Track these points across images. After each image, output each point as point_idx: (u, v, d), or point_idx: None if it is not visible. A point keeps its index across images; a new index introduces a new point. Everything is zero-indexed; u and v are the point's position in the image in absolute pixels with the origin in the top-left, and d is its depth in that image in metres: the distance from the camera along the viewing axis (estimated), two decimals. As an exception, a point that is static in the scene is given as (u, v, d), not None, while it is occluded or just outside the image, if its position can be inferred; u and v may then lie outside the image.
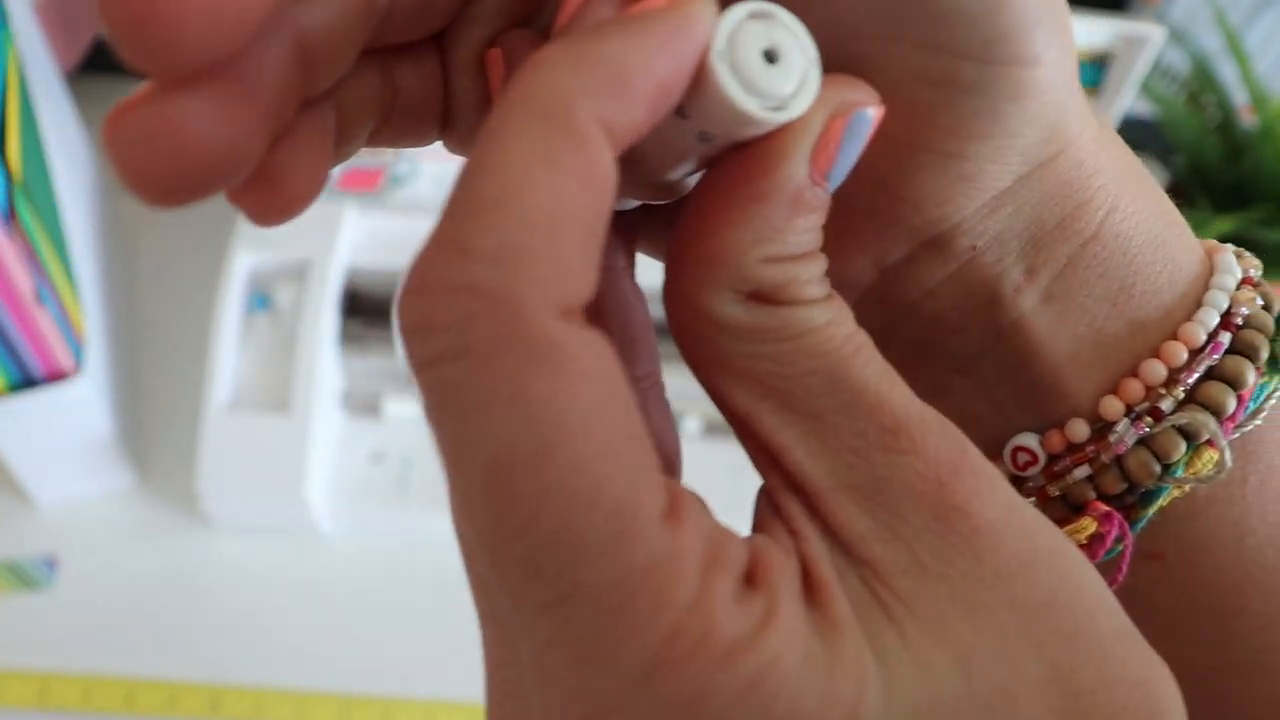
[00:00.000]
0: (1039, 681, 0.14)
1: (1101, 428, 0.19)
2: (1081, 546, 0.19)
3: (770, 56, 0.15)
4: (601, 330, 0.14)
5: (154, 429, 0.61)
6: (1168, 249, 0.19)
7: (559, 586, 0.13)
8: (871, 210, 0.18)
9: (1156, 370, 0.18)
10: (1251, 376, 0.18)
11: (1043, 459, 0.19)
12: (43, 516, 0.57)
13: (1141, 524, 0.19)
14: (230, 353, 0.55)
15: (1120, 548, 0.19)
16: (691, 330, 0.16)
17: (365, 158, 0.62)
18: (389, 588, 0.57)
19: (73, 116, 0.61)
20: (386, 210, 0.62)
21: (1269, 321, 0.19)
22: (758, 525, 0.16)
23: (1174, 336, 0.19)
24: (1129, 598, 0.18)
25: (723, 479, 0.59)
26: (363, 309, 0.61)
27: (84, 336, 0.53)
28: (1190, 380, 0.18)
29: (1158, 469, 0.18)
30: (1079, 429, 0.19)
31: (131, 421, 0.60)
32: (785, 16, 0.15)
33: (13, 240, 0.45)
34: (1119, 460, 0.19)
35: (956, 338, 0.20)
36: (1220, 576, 0.19)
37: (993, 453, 0.20)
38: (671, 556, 0.13)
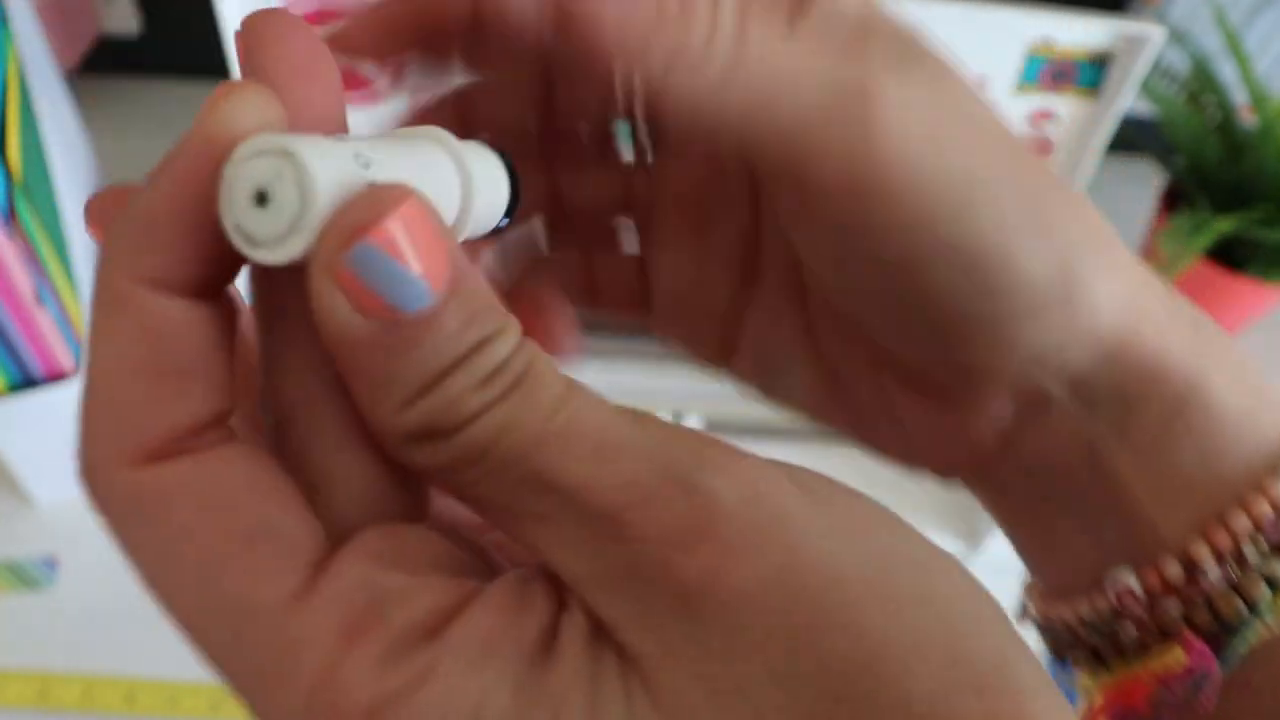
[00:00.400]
0: None
1: (1192, 568, 0.21)
2: (1172, 676, 0.20)
3: (261, 197, 0.14)
4: (229, 427, 0.15)
5: (154, 429, 0.61)
6: (1257, 418, 0.21)
7: (225, 678, 0.15)
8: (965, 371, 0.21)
9: (1242, 522, 0.20)
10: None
11: (1142, 595, 0.21)
12: (43, 516, 0.57)
13: (1234, 657, 0.20)
14: (230, 353, 0.55)
15: (1207, 680, 0.20)
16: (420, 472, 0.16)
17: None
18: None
19: (73, 116, 0.61)
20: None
21: None
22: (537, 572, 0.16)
23: (1261, 490, 0.20)
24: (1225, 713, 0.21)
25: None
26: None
27: (84, 336, 0.53)
28: (1275, 535, 0.20)
29: (1245, 609, 0.20)
30: (1173, 569, 0.21)
31: (131, 421, 0.60)
32: (304, 153, 0.14)
33: (13, 240, 0.45)
34: (1209, 600, 0.20)
35: (1061, 484, 0.22)
36: None
37: (1087, 587, 0.22)
38: (294, 639, 0.14)
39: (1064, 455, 0.22)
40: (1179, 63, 0.70)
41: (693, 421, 0.58)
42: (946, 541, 0.57)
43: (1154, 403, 0.21)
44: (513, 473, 0.15)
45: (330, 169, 0.14)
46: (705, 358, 0.25)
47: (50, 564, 0.56)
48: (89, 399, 0.15)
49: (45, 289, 0.49)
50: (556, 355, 0.22)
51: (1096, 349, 0.20)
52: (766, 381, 0.25)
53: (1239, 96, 0.68)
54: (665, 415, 0.58)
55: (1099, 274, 0.20)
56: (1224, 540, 0.20)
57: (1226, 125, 0.67)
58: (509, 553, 0.18)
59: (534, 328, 0.22)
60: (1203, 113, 0.68)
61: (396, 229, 0.14)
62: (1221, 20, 0.66)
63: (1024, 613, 0.24)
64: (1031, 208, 0.19)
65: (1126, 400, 0.21)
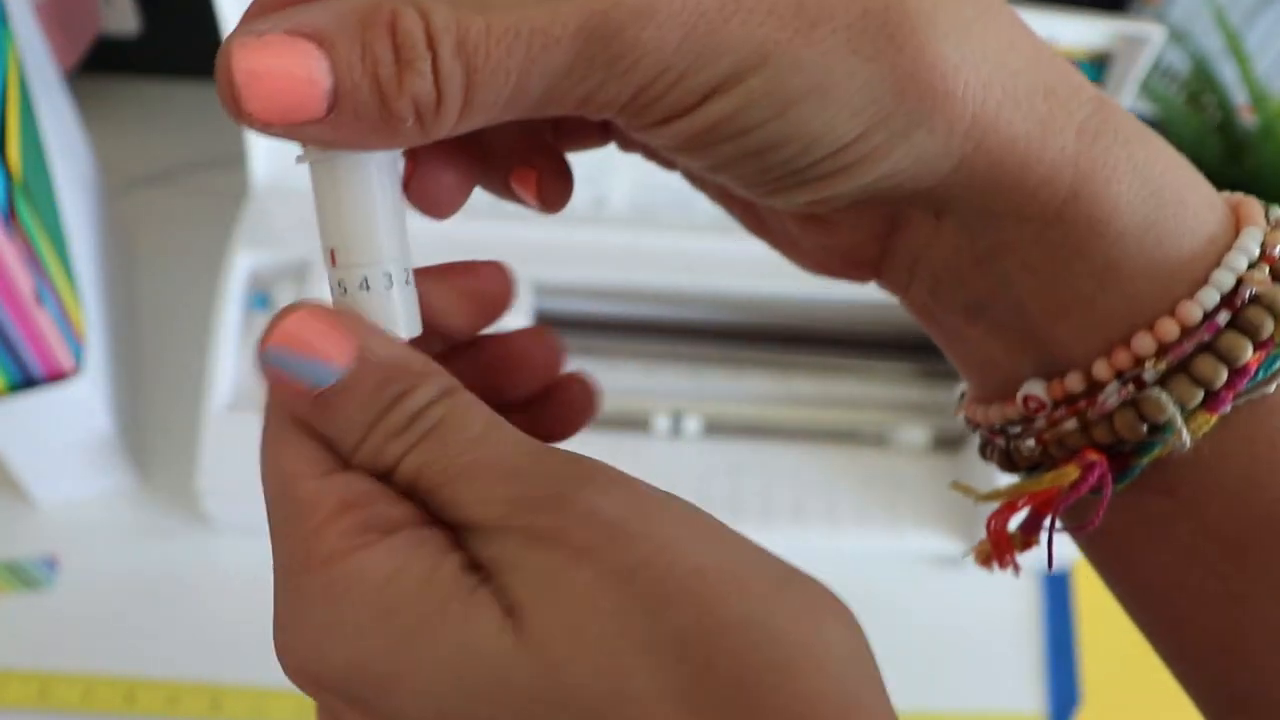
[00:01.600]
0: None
1: (1093, 387, 0.21)
2: (1067, 488, 0.21)
3: None
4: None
5: (154, 429, 0.61)
6: (1163, 229, 0.20)
7: (270, 527, 0.20)
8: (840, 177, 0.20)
9: (1146, 343, 0.20)
10: (1248, 354, 0.20)
11: (1049, 406, 0.22)
12: (43, 516, 0.57)
13: (1132, 475, 0.21)
14: (230, 353, 0.55)
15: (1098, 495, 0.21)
16: None
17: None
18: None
19: (73, 116, 0.61)
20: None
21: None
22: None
23: (1171, 313, 0.20)
24: (1149, 529, 0.22)
25: (722, 479, 0.59)
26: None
27: (84, 336, 0.53)
28: (1183, 354, 0.20)
29: (1144, 428, 0.20)
30: (1075, 383, 0.21)
31: (132, 421, 0.60)
32: None
33: (13, 240, 0.45)
34: (1109, 417, 0.21)
35: (960, 291, 0.22)
36: (1230, 518, 0.21)
37: (1008, 395, 0.22)
38: (312, 497, 0.19)
39: (948, 265, 0.22)
40: (1179, 63, 0.70)
41: (692, 422, 0.58)
42: (945, 542, 0.57)
43: (1031, 221, 0.20)
44: (434, 499, 0.19)
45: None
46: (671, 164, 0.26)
47: (50, 564, 0.56)
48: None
49: (45, 289, 0.49)
50: (548, 199, 0.25)
51: (951, 168, 0.20)
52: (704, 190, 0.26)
53: (1239, 97, 0.68)
54: (665, 416, 0.58)
55: (950, 76, 0.19)
56: (1122, 359, 0.20)
57: (1227, 125, 0.67)
58: None
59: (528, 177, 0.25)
60: (1203, 113, 0.68)
61: (291, 330, 0.19)
62: (1222, 20, 0.66)
63: (957, 412, 0.26)
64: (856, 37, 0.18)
65: (997, 217, 0.20)
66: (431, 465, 0.19)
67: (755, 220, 0.26)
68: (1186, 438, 0.20)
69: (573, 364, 0.23)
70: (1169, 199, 0.20)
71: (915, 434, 0.60)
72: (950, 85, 0.19)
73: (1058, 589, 0.59)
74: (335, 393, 0.19)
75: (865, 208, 0.22)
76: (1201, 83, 0.68)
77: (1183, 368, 0.20)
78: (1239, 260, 0.20)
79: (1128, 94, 0.59)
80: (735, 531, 0.19)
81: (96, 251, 0.60)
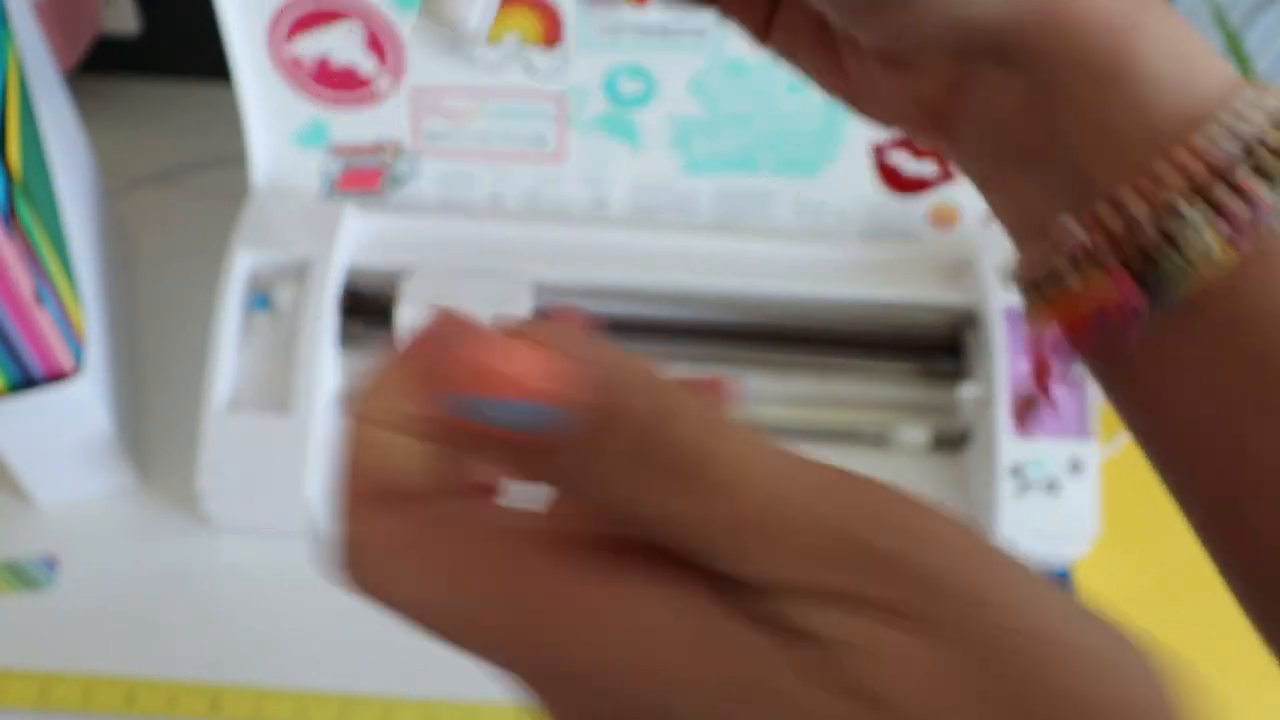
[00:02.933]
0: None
1: (1123, 213, 0.22)
2: (1105, 305, 0.22)
3: None
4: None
5: (154, 429, 0.61)
6: (1188, 86, 0.22)
7: None
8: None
9: (1165, 169, 0.22)
10: (1264, 192, 0.21)
11: (1083, 237, 0.23)
12: (43, 516, 0.57)
13: (1164, 301, 0.22)
14: (230, 353, 0.55)
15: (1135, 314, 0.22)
16: None
17: (365, 157, 0.61)
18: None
19: (73, 116, 0.61)
20: (387, 210, 0.62)
21: None
22: None
23: (1189, 146, 0.22)
24: (1173, 360, 0.23)
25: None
26: (363, 309, 0.61)
27: (84, 336, 0.53)
28: (1205, 184, 0.21)
29: (1174, 253, 0.21)
30: (1105, 211, 0.22)
31: (131, 421, 0.60)
32: None
33: (13, 240, 0.45)
34: (1140, 246, 0.22)
35: (1017, 139, 0.24)
36: (1256, 348, 0.22)
37: (1046, 231, 0.24)
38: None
39: (1006, 112, 0.24)
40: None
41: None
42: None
43: (1082, 66, 0.23)
44: (706, 549, 0.16)
45: None
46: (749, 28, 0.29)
47: (50, 564, 0.56)
48: None
49: (45, 289, 0.49)
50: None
51: (1013, 12, 0.23)
52: (788, 55, 0.29)
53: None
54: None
55: None
56: (1147, 186, 0.22)
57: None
58: None
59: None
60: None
61: (495, 366, 0.15)
62: (1221, 20, 0.66)
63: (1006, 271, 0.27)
64: None
65: (1052, 63, 0.23)
66: (710, 517, 0.15)
67: (837, 73, 0.28)
68: (1216, 252, 0.21)
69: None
70: (1194, 55, 0.23)
71: (915, 434, 0.60)
72: None
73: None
74: (576, 438, 0.15)
75: (943, 52, 0.25)
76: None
77: (1206, 199, 0.21)
78: (1246, 108, 0.22)
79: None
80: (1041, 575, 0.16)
81: (96, 251, 0.60)
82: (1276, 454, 0.22)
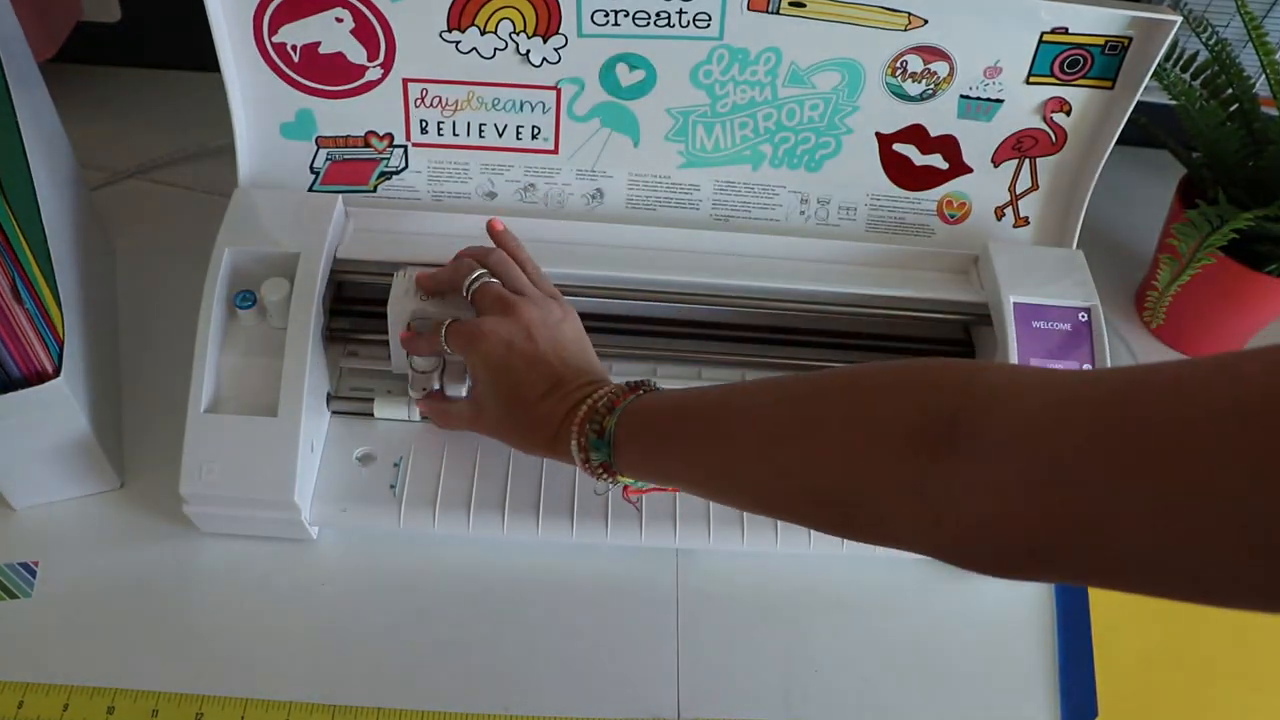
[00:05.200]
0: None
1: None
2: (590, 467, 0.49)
3: None
4: None
5: (136, 431, 0.60)
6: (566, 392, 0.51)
7: None
8: None
9: (583, 411, 0.49)
10: (608, 422, 0.48)
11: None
12: (21, 522, 0.56)
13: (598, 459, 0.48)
14: (215, 352, 0.54)
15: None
16: None
17: (355, 149, 0.60)
18: (378, 593, 0.55)
19: (51, 109, 0.59)
20: (377, 204, 0.61)
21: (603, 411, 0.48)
22: None
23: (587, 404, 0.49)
24: (634, 463, 0.47)
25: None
26: (352, 306, 0.60)
27: (63, 335, 0.51)
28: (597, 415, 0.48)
29: (597, 439, 0.48)
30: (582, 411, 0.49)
31: (113, 423, 0.59)
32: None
33: (-15, 236, 0.43)
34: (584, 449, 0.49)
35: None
36: (645, 438, 0.47)
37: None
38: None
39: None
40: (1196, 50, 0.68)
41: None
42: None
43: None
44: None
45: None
46: None
47: (29, 571, 0.54)
48: None
49: (23, 285, 0.47)
50: None
51: None
52: None
53: (1259, 87, 0.66)
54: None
55: None
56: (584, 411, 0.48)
57: (1246, 116, 0.65)
58: None
59: None
60: (1223, 105, 0.66)
61: None
62: (1242, 7, 0.64)
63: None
64: None
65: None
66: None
67: None
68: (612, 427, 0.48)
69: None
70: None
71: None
72: None
73: (1072, 599, 0.57)
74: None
75: None
76: (1222, 70, 0.66)
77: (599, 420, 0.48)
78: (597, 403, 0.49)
79: (1143, 82, 0.58)
80: None
81: (75, 248, 0.58)
82: (684, 466, 0.45)
